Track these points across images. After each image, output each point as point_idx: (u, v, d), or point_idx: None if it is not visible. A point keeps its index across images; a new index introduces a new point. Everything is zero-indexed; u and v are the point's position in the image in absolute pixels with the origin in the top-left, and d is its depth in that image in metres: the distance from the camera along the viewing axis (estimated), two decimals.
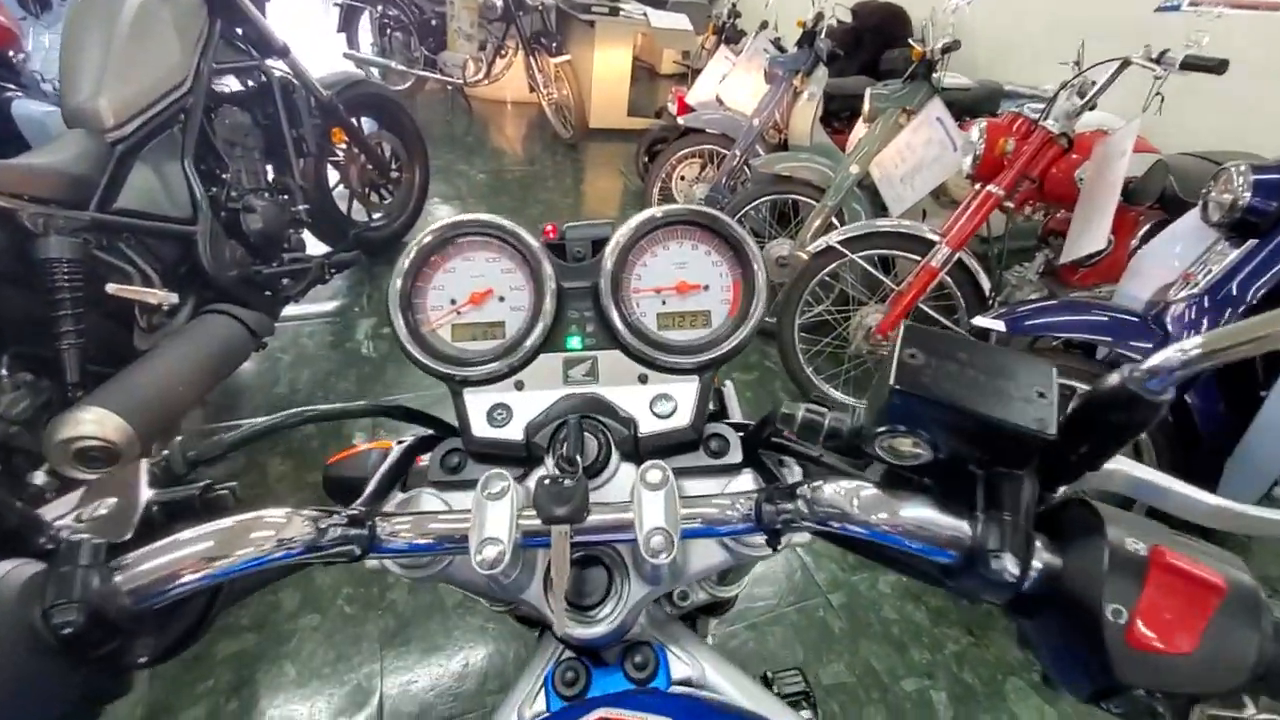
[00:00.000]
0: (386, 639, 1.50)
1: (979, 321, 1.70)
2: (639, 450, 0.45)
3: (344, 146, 2.69)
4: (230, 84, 2.09)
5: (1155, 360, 0.29)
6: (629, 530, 0.37)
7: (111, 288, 1.37)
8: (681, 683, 0.45)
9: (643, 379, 0.46)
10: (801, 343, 2.32)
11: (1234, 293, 1.48)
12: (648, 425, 0.45)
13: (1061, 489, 0.33)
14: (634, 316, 0.47)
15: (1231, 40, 1.91)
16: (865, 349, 2.24)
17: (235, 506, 0.39)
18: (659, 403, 0.46)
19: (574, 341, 0.47)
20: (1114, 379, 0.30)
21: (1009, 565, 0.30)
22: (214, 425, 2.04)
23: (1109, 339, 1.58)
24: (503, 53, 4.98)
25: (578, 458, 0.41)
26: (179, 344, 1.42)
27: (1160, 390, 0.29)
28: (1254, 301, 1.48)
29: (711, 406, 0.51)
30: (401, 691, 1.41)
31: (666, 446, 0.45)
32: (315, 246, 2.31)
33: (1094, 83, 1.91)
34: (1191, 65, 1.75)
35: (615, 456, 0.45)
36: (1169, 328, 1.53)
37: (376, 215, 3.08)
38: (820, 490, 0.35)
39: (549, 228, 0.50)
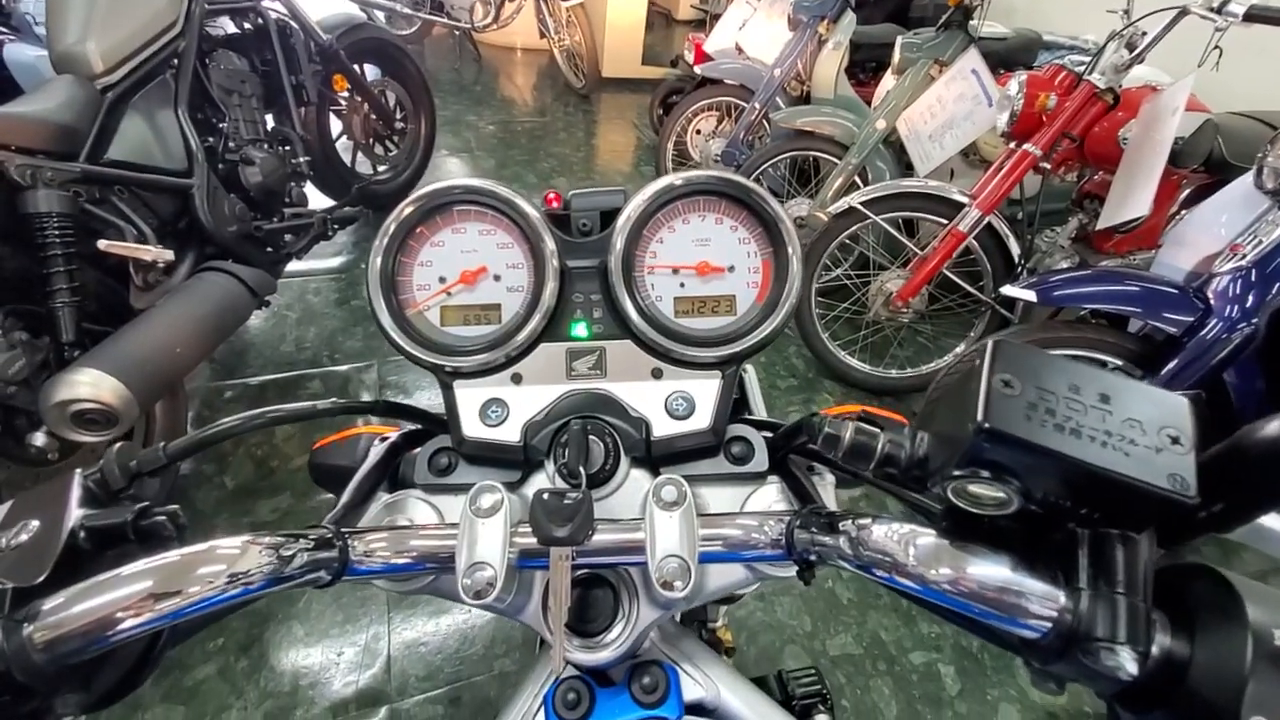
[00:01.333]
0: (394, 602, 1.50)
1: (1009, 290, 1.62)
2: (651, 455, 0.40)
3: (346, 95, 2.58)
4: (225, 26, 1.99)
5: None
6: (639, 553, 0.33)
7: (103, 244, 1.32)
8: (694, 707, 0.41)
9: (657, 374, 0.41)
10: (818, 307, 2.25)
11: None
12: (662, 427, 0.40)
13: (1185, 542, 0.27)
14: (648, 301, 0.41)
15: None
16: (884, 315, 2.17)
17: (176, 535, 0.34)
18: (675, 401, 0.40)
19: (579, 329, 0.41)
20: (1272, 429, 0.24)
21: (1125, 662, 0.24)
22: (222, 383, 2.02)
23: (1146, 311, 1.50)
24: None
25: (581, 469, 0.36)
26: (176, 303, 1.38)
27: None
28: None
29: (735, 385, 0.46)
30: (409, 654, 1.41)
31: (682, 451, 0.40)
32: (317, 201, 2.23)
33: (1145, 34, 1.77)
34: (1257, 16, 1.60)
35: (625, 462, 0.40)
36: (1211, 301, 1.44)
37: (381, 168, 2.99)
38: (868, 531, 0.30)
39: (551, 195, 0.44)
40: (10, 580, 0.28)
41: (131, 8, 1.58)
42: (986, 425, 0.24)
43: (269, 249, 1.91)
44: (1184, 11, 1.70)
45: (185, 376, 1.43)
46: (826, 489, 0.42)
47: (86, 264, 1.33)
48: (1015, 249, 1.99)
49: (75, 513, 0.32)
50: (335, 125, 2.64)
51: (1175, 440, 0.24)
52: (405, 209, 0.41)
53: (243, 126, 1.88)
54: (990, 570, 0.27)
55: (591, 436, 0.38)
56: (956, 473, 0.26)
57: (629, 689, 0.41)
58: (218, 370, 2.07)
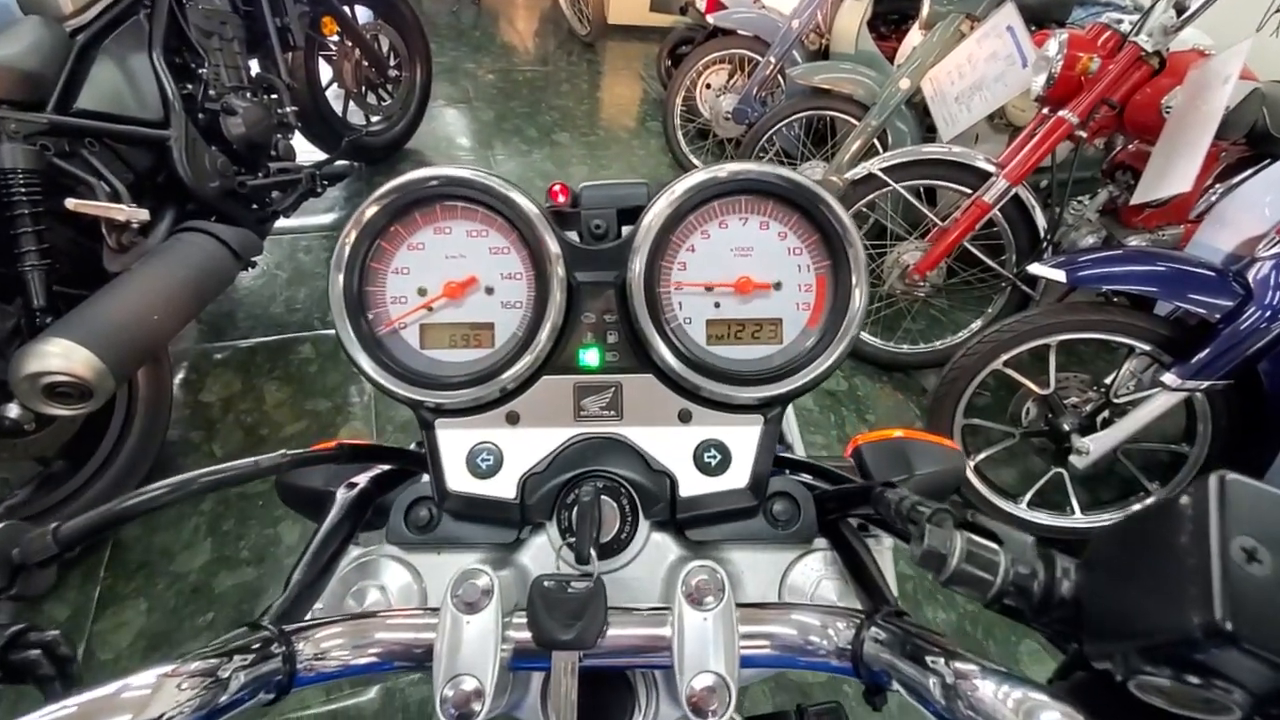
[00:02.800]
0: None
1: (1036, 269, 1.53)
2: (677, 518, 0.33)
3: (336, 39, 2.43)
4: None
5: None
6: (663, 653, 0.26)
7: (71, 203, 1.22)
8: None
9: (685, 417, 0.34)
10: None
11: None
12: (690, 484, 0.33)
13: None
14: (675, 325, 0.33)
15: None
16: (899, 289, 2.08)
17: (53, 673, 0.27)
18: (706, 453, 0.33)
19: (590, 358, 0.34)
20: None
21: None
22: (209, 345, 1.95)
23: (1181, 295, 1.42)
24: None
25: (591, 543, 0.29)
26: (154, 267, 1.30)
27: None
28: None
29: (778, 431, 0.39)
30: None
31: (712, 516, 0.33)
32: (306, 153, 2.11)
33: None
34: None
35: (644, 526, 0.33)
36: (1252, 287, 1.36)
37: (374, 118, 2.85)
38: (972, 685, 0.23)
39: (557, 187, 0.36)
40: None
41: None
42: (1228, 628, 0.17)
43: (254, 206, 1.81)
44: None
45: (166, 344, 1.36)
46: (884, 554, 0.35)
47: (57, 223, 1.24)
48: (1041, 222, 1.89)
49: None
50: (325, 72, 2.50)
51: None
52: (370, 208, 0.32)
53: (224, 72, 1.75)
54: None
55: (604, 497, 0.32)
56: (1148, 667, 0.19)
57: None
58: (205, 332, 1.99)
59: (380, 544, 0.35)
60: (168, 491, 0.32)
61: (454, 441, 0.34)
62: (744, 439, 0.34)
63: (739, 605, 0.27)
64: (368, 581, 0.34)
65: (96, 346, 1.10)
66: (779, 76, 2.66)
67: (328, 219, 2.58)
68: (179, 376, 1.85)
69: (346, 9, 2.39)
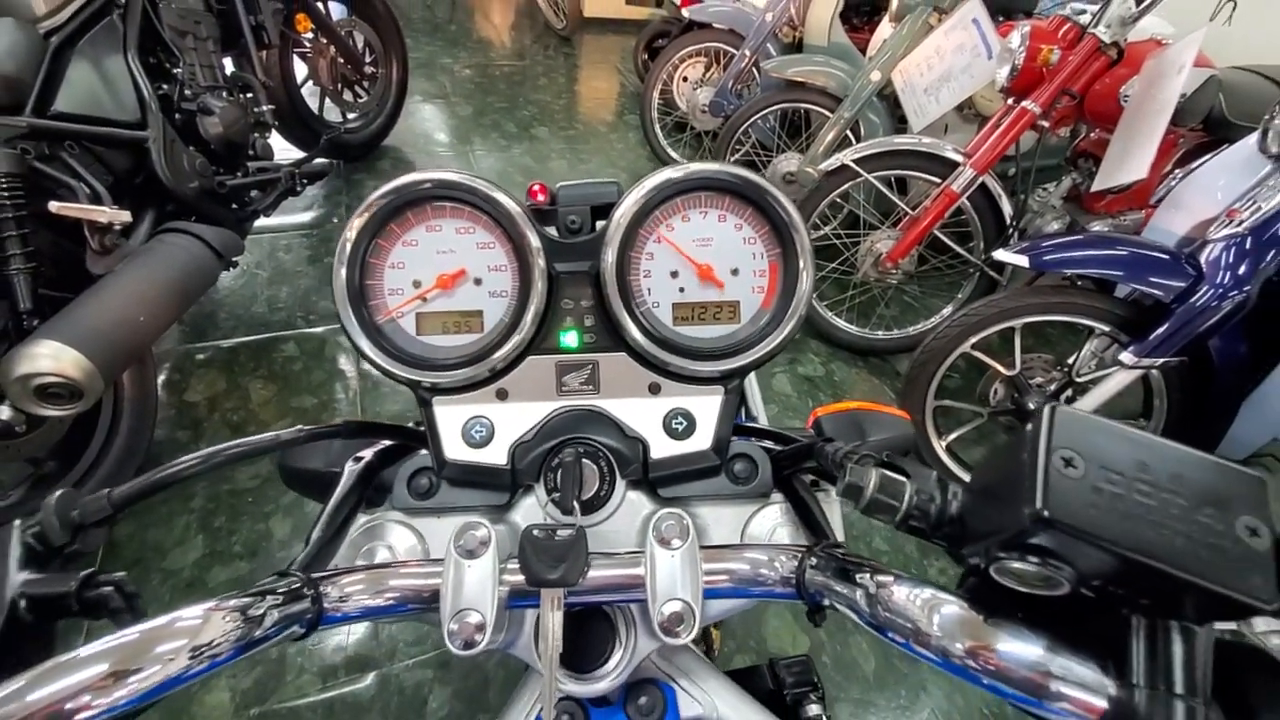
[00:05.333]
0: None
1: (1001, 255, 1.59)
2: (649, 477, 0.37)
3: (311, 36, 2.42)
4: None
5: None
6: (638, 590, 0.30)
7: (54, 206, 1.23)
8: None
9: (654, 389, 0.38)
10: None
11: None
12: (660, 448, 0.37)
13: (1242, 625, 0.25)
14: (644, 309, 0.37)
15: None
16: (873, 276, 2.14)
17: (123, 605, 0.31)
18: (674, 420, 0.37)
19: (569, 340, 0.38)
20: None
21: None
22: (192, 345, 1.95)
23: (1137, 277, 1.49)
24: None
25: (575, 497, 0.34)
26: (136, 268, 1.31)
27: None
28: None
29: (739, 400, 0.43)
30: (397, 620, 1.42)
31: (680, 474, 0.37)
32: (283, 152, 2.12)
33: None
34: None
35: (620, 485, 0.37)
36: (1204, 268, 1.43)
37: (351, 115, 2.84)
38: (889, 590, 0.28)
39: (536, 187, 0.39)
40: None
41: None
42: (1045, 514, 0.21)
43: (233, 206, 1.81)
44: None
45: (151, 344, 1.37)
46: (832, 506, 0.40)
47: (40, 226, 1.25)
48: (1008, 209, 1.96)
49: (16, 577, 0.29)
50: (300, 70, 2.49)
51: (1254, 532, 0.22)
52: (371, 206, 0.36)
53: (199, 72, 1.75)
54: (1025, 651, 0.25)
55: (585, 461, 0.36)
56: (1001, 554, 0.24)
57: (624, 710, 0.39)
58: (187, 333, 2.00)
59: (385, 510, 0.39)
60: (200, 461, 0.36)
61: (450, 416, 0.37)
62: (707, 407, 0.38)
63: (702, 547, 0.31)
64: (376, 542, 0.38)
65: (85, 347, 1.12)
66: (754, 69, 2.70)
67: (307, 217, 2.58)
68: (162, 377, 1.85)
69: (320, 5, 2.38)
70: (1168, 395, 1.57)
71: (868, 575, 0.29)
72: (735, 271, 0.38)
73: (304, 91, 2.50)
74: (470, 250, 0.37)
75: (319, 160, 2.05)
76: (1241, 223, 1.42)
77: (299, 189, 1.97)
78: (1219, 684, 0.24)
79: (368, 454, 0.41)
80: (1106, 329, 1.57)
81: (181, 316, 1.44)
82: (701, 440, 0.37)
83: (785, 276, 0.38)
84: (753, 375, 0.52)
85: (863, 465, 0.30)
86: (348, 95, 2.74)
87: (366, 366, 1.99)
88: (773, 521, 0.38)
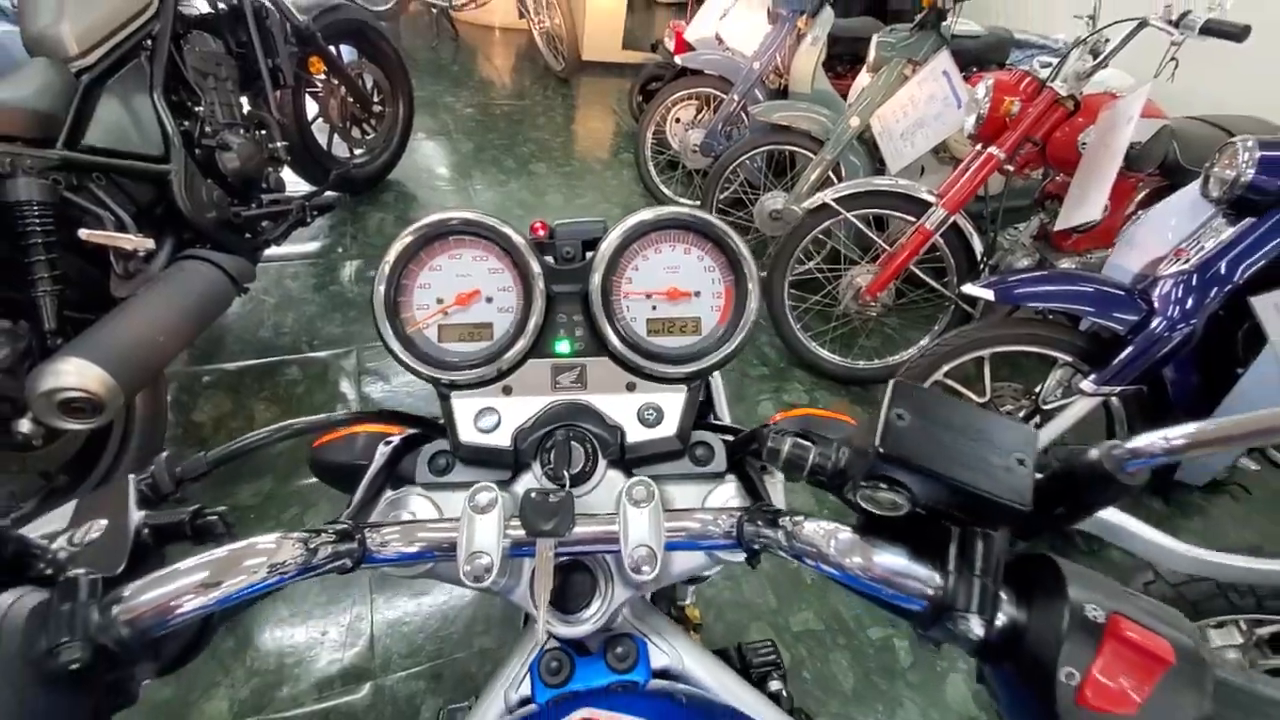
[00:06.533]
0: (376, 582, 1.55)
1: (969, 289, 1.70)
2: (625, 458, 0.45)
3: (323, 77, 2.56)
4: (199, 6, 1.96)
5: (1136, 443, 0.29)
6: (614, 543, 0.38)
7: (84, 233, 1.32)
8: (661, 672, 0.47)
9: (630, 387, 0.46)
10: (790, 299, 2.32)
11: (1222, 272, 1.49)
12: (635, 434, 0.45)
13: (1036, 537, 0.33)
14: (623, 322, 0.46)
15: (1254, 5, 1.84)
16: (853, 309, 2.25)
17: (226, 531, 0.39)
18: (646, 411, 0.46)
19: (563, 347, 0.46)
20: (1093, 454, 0.30)
21: (974, 626, 0.31)
22: (200, 368, 2.02)
23: (1093, 311, 1.59)
24: None
25: (565, 472, 0.42)
26: (158, 292, 1.39)
27: (1134, 474, 0.29)
28: (1241, 282, 1.49)
29: (699, 397, 0.51)
30: (391, 632, 1.46)
31: (652, 455, 0.46)
32: (294, 185, 2.23)
33: (1108, 41, 1.85)
34: (1212, 31, 1.68)
35: (602, 464, 0.45)
36: (1154, 303, 1.54)
37: (358, 151, 2.97)
38: (801, 526, 0.36)
39: (538, 224, 0.48)
40: (97, 567, 0.33)
41: None
42: (881, 450, 0.30)
43: (247, 235, 1.91)
44: (1143, 23, 1.78)
45: (167, 364, 1.45)
46: (776, 486, 0.48)
47: (67, 252, 1.33)
48: (978, 247, 2.08)
49: (136, 514, 0.37)
50: (311, 108, 2.62)
51: (1021, 463, 0.30)
52: (406, 237, 0.45)
53: (219, 110, 1.87)
54: (889, 559, 0.33)
55: (573, 442, 0.44)
56: (862, 483, 0.32)
57: (604, 658, 0.47)
58: (195, 355, 2.07)
59: (409, 487, 0.46)
60: (272, 433, 0.44)
61: (465, 407, 0.45)
62: (673, 402, 0.46)
63: (665, 511, 0.39)
64: (401, 511, 0.45)
65: (108, 364, 1.19)
66: (742, 113, 2.85)
67: (312, 247, 2.68)
68: (170, 398, 1.92)
69: (333, 49, 2.52)
70: (1128, 422, 1.67)
71: (787, 520, 0.37)
72: (698, 294, 0.47)
73: (314, 128, 2.63)
74: (484, 274, 0.46)
75: (328, 194, 2.15)
76: (1188, 261, 1.53)
77: (309, 220, 2.07)
78: (1015, 577, 0.32)
79: (395, 439, 0.49)
80: (1070, 359, 1.67)
81: (196, 338, 1.52)
82: (668, 428, 0.46)
83: (737, 298, 0.47)
84: (720, 386, 0.60)
85: (781, 438, 0.39)
86: (355, 132, 2.88)
87: (367, 390, 2.06)
88: (726, 496, 0.45)
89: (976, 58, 2.71)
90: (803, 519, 0.37)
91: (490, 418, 0.45)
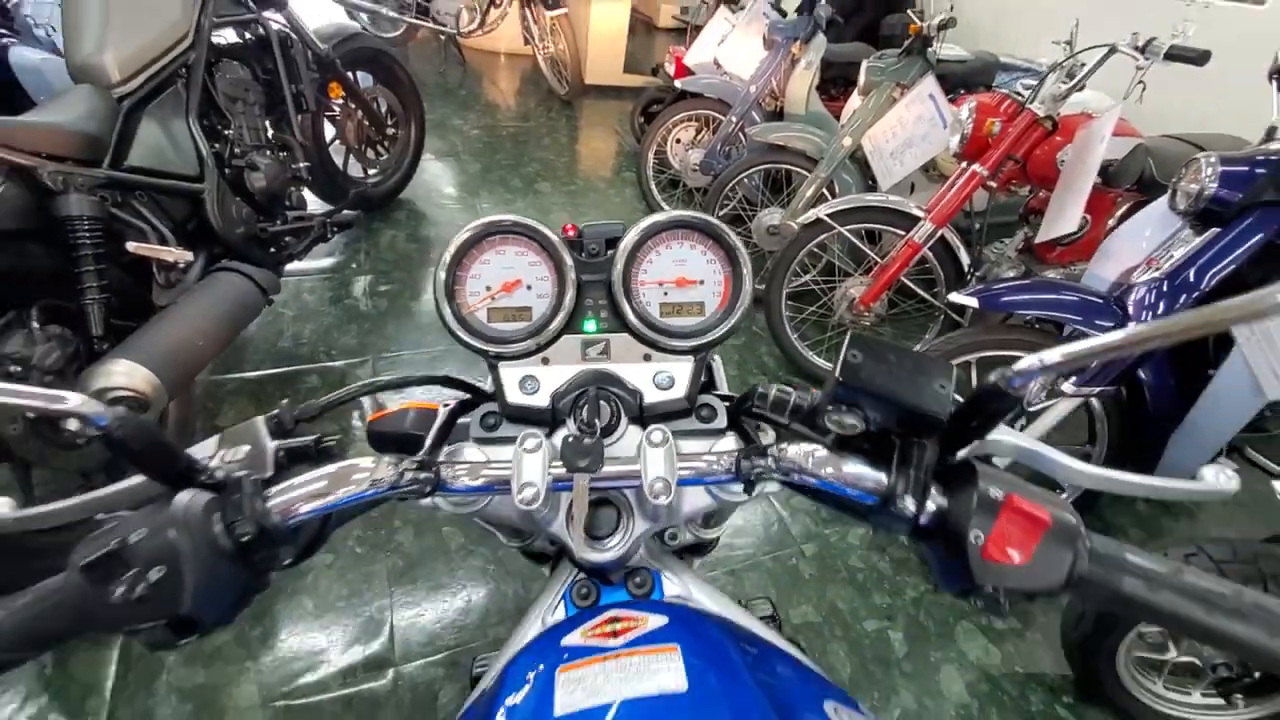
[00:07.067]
0: (395, 577, 1.63)
1: (955, 297, 1.80)
2: (643, 416, 0.55)
3: (340, 102, 2.69)
4: (228, 37, 2.09)
5: (1019, 365, 0.38)
6: (636, 478, 0.47)
7: (132, 246, 1.43)
8: (672, 599, 0.56)
9: (647, 357, 0.56)
10: (788, 310, 2.42)
11: (1191, 279, 1.59)
12: (651, 396, 0.55)
13: (961, 453, 0.42)
14: (640, 306, 0.56)
15: (1216, 30, 1.97)
16: (848, 319, 2.35)
17: (340, 454, 0.48)
18: (660, 377, 0.55)
19: (590, 325, 0.56)
20: (992, 378, 0.39)
21: (909, 505, 0.40)
22: (224, 376, 2.12)
23: (1074, 318, 1.69)
24: (497, 2, 4.88)
25: (596, 421, 0.51)
26: (196, 300, 1.49)
27: (1020, 388, 0.38)
28: (1208, 289, 1.58)
29: (703, 378, 0.60)
30: (410, 624, 1.54)
31: (666, 413, 0.55)
32: (315, 204, 2.34)
33: (1083, 65, 1.97)
34: (1175, 56, 1.81)
35: (624, 420, 0.55)
36: (1129, 309, 1.63)
37: (372, 172, 3.10)
38: (785, 451, 0.45)
39: (568, 226, 0.58)
40: (255, 474, 0.42)
41: (146, 21, 1.68)
42: (840, 379, 0.40)
43: (272, 250, 2.02)
44: (1113, 49, 1.91)
45: (205, 367, 1.54)
46: (769, 438, 0.57)
47: (112, 263, 1.44)
48: (965, 259, 2.18)
49: (271, 442, 0.46)
50: (328, 131, 2.75)
51: (942, 387, 0.40)
52: (464, 235, 0.54)
53: (246, 133, 1.99)
54: (850, 467, 0.43)
55: (601, 400, 0.53)
56: (829, 407, 0.42)
57: (625, 585, 0.55)
58: (218, 365, 2.16)
59: (462, 442, 0.55)
60: (361, 388, 0.54)
61: (510, 375, 0.55)
62: (683, 370, 0.55)
63: (677, 454, 0.48)
64: (459, 458, 0.54)
65: (154, 366, 1.29)
66: (740, 134, 2.97)
67: (328, 262, 2.79)
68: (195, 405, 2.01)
69: (350, 75, 2.66)
70: (1108, 422, 1.76)
71: (774, 449, 0.46)
72: (701, 282, 0.57)
73: (331, 150, 2.75)
74: (525, 266, 0.56)
75: (347, 211, 2.26)
76: (1159, 269, 1.63)
77: (329, 236, 2.18)
78: (945, 478, 0.41)
79: (452, 403, 0.58)
80: None
81: (230, 344, 1.61)
82: (679, 392, 0.55)
83: (734, 286, 0.56)
84: (721, 368, 0.69)
85: (768, 389, 0.49)
86: (370, 154, 3.00)
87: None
88: (726, 447, 0.54)
89: (963, 80, 2.84)
90: (786, 445, 0.46)
91: (532, 383, 0.54)
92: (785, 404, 0.48)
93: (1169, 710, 1.52)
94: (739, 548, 1.83)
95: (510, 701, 0.43)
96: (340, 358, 2.28)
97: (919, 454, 0.41)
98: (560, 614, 0.55)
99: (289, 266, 2.21)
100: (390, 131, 3.04)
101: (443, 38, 5.28)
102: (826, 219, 2.20)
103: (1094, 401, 1.74)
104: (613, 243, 0.56)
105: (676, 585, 0.57)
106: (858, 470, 0.43)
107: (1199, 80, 2.32)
